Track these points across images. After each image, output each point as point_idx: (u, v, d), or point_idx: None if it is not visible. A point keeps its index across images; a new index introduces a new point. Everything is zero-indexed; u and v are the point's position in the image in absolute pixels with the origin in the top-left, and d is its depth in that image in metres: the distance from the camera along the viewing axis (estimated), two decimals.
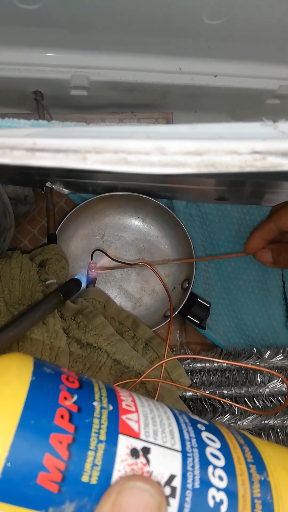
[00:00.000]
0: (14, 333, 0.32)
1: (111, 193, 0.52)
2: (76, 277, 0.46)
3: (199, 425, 0.21)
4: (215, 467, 0.19)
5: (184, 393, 0.44)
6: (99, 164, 0.14)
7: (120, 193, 0.52)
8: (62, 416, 0.16)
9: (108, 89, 0.53)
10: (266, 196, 0.53)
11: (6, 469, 0.15)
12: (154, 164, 0.15)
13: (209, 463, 0.19)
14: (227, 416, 0.41)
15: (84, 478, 0.16)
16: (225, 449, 0.20)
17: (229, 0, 0.39)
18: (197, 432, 0.20)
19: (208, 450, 0.19)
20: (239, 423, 0.41)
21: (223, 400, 0.42)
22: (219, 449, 0.20)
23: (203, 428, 0.21)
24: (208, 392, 0.44)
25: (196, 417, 0.22)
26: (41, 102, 0.51)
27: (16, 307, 0.40)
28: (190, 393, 0.44)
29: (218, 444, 0.20)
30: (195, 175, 0.16)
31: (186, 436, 0.19)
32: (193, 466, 0.18)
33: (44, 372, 0.18)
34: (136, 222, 0.56)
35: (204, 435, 0.20)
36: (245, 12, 0.41)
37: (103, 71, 0.50)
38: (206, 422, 0.22)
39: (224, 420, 0.41)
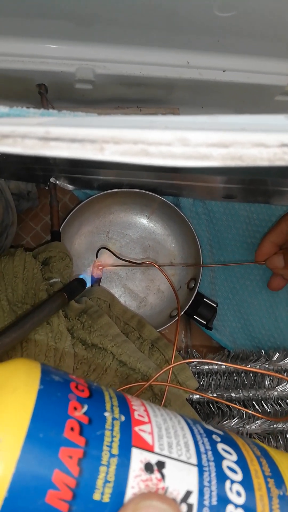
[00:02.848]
0: (18, 334, 0.31)
1: (116, 190, 0.51)
2: (80, 276, 0.45)
3: (214, 436, 0.20)
4: (232, 481, 0.18)
5: (191, 396, 0.43)
6: (118, 155, 0.13)
7: (125, 189, 0.51)
8: (72, 429, 0.15)
9: (113, 83, 0.52)
10: (275, 194, 0.52)
11: (13, 487, 0.13)
12: (176, 156, 0.14)
13: (226, 477, 0.18)
14: (235, 420, 0.40)
15: (96, 496, 0.14)
16: (242, 462, 0.19)
17: None
18: (213, 444, 0.19)
19: (225, 463, 0.18)
20: (247, 427, 0.40)
21: (231, 404, 0.41)
22: (236, 462, 0.19)
23: (219, 439, 0.20)
24: (215, 395, 0.43)
25: (211, 427, 0.21)
26: (45, 96, 0.50)
27: (20, 306, 0.39)
28: (197, 396, 0.43)
29: (234, 457, 0.19)
30: (218, 169, 0.15)
31: (202, 449, 0.18)
32: (210, 481, 0.17)
33: (52, 379, 0.17)
34: (141, 220, 0.55)
35: (220, 447, 0.19)
36: (257, 4, 0.40)
37: (109, 64, 0.49)
38: (221, 433, 0.20)
39: (232, 424, 0.40)
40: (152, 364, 0.39)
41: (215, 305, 0.51)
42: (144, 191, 0.51)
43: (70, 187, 0.52)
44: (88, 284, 0.48)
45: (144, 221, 0.55)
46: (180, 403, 0.38)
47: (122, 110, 0.57)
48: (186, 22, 0.43)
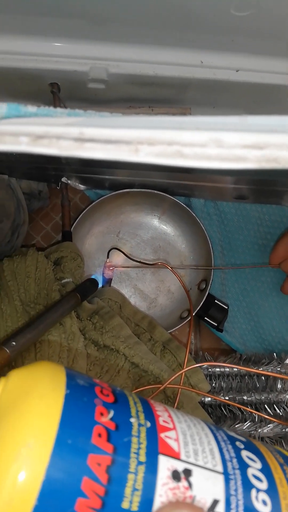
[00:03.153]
0: (33, 335, 0.31)
1: (128, 190, 0.50)
2: (92, 276, 0.45)
3: (237, 443, 0.19)
4: (258, 490, 0.17)
5: (203, 399, 0.43)
6: (152, 156, 0.13)
7: (136, 189, 0.51)
8: (99, 435, 0.15)
9: (126, 83, 0.52)
10: (287, 195, 0.51)
11: (43, 494, 0.13)
12: (212, 158, 0.13)
13: (251, 486, 0.17)
14: (247, 424, 0.40)
15: (125, 505, 0.14)
16: (266, 470, 0.19)
17: None
18: (237, 451, 0.19)
19: (250, 471, 0.18)
20: (259, 430, 0.40)
21: (243, 407, 0.41)
22: (261, 470, 0.18)
23: (242, 446, 0.19)
24: (227, 398, 0.42)
25: (233, 433, 0.20)
26: (57, 95, 0.50)
27: (32, 306, 0.39)
28: (209, 399, 0.43)
29: (259, 465, 0.19)
30: (253, 171, 0.14)
31: (227, 456, 0.18)
32: (236, 490, 0.17)
33: (78, 384, 0.16)
34: (152, 220, 0.54)
35: (244, 454, 0.19)
36: (275, 3, 0.40)
37: (123, 63, 0.49)
38: (244, 439, 0.20)
39: (244, 428, 0.39)
40: (164, 366, 0.39)
41: (227, 307, 0.50)
42: (155, 191, 0.51)
43: (81, 186, 0.52)
44: (100, 285, 0.48)
45: (155, 221, 0.54)
46: (192, 406, 0.38)
47: (134, 110, 0.57)
48: (201, 21, 0.43)
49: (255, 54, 0.49)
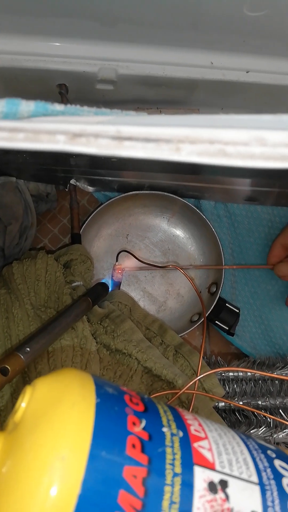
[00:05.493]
0: (47, 340, 0.30)
1: (136, 192, 0.50)
2: (103, 280, 0.44)
3: (269, 452, 0.19)
4: None
5: (217, 404, 0.42)
6: (195, 155, 0.12)
7: (145, 191, 0.50)
8: (133, 446, 0.14)
9: (135, 84, 0.51)
10: None
11: (79, 510, 0.12)
12: (255, 157, 0.13)
13: None
14: (262, 429, 0.39)
15: None
16: None
17: None
18: (270, 460, 0.18)
19: (285, 481, 0.17)
20: (275, 436, 0.39)
21: (258, 411, 0.40)
22: None
23: (274, 455, 0.19)
24: (241, 403, 0.42)
25: (263, 442, 0.20)
26: (65, 96, 0.49)
27: (43, 310, 0.38)
28: (223, 404, 0.42)
29: None
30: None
31: (261, 466, 0.17)
32: (273, 501, 0.16)
33: (107, 392, 0.16)
34: (161, 222, 0.54)
35: (277, 463, 0.18)
36: None
37: (132, 64, 0.48)
38: (274, 448, 0.19)
39: (260, 433, 0.39)
40: (177, 371, 0.38)
41: (238, 311, 0.50)
42: (164, 193, 0.50)
43: (90, 188, 0.51)
44: (110, 288, 0.47)
45: (164, 223, 0.54)
46: (207, 411, 0.37)
47: (142, 111, 0.56)
48: (213, 22, 0.42)
49: (266, 55, 0.49)
